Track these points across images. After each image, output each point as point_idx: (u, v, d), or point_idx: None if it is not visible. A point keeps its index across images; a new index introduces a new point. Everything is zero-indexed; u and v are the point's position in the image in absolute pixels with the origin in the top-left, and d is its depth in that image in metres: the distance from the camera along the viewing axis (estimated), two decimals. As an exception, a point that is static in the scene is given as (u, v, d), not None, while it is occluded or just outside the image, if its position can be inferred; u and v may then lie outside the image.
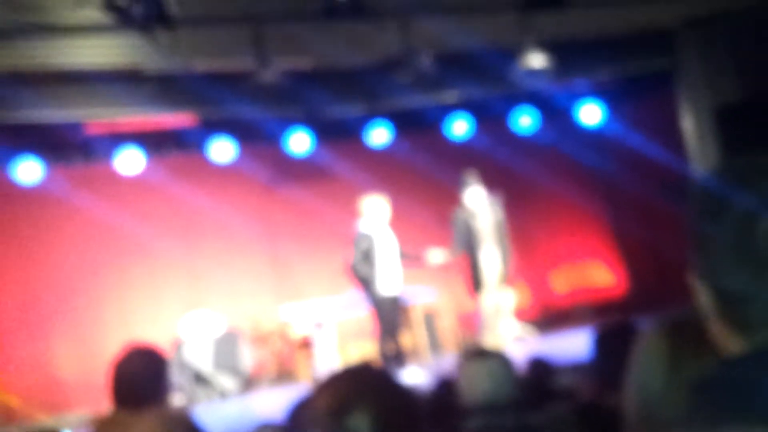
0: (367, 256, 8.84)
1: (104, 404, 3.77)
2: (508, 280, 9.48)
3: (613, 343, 3.49)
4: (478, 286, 9.50)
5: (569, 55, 9.06)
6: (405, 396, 1.88)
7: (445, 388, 4.64)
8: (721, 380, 1.20)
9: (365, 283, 8.89)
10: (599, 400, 3.39)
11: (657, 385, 1.63)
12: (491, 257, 9.42)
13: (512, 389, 3.50)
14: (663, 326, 1.71)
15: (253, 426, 4.14)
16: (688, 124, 10.19)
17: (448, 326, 11.29)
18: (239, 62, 8.00)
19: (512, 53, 8.57)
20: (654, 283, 11.60)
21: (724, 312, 1.24)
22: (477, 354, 3.58)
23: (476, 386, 3.47)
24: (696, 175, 10.13)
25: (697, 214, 1.28)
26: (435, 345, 10.86)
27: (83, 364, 10.30)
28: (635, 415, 1.66)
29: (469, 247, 9.47)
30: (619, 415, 1.74)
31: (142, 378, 3.44)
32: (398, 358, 8.94)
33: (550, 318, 11.76)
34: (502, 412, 3.42)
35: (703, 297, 1.27)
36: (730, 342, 1.25)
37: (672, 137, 10.46)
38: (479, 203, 9.47)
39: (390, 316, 8.95)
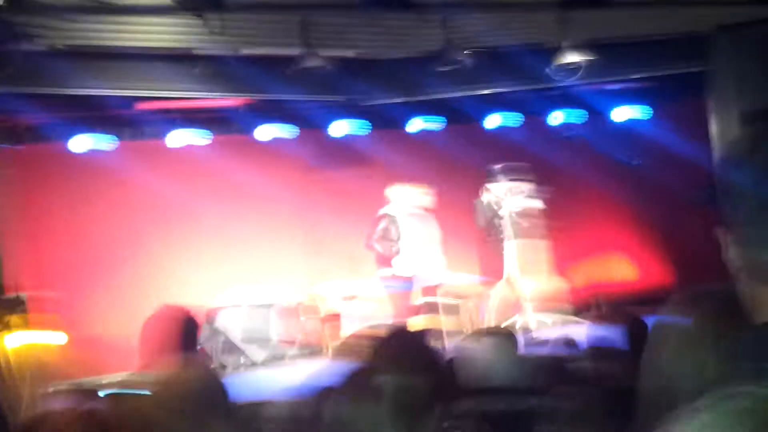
0: (385, 236, 9.20)
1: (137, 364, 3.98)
2: (534, 270, 9.72)
3: (643, 332, 3.69)
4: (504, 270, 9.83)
5: (605, 55, 9.26)
6: (432, 359, 1.92)
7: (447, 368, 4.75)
8: (755, 342, 1.18)
9: (381, 261, 9.30)
10: (627, 386, 3.50)
11: (674, 358, 1.62)
12: (512, 248, 9.72)
13: (511, 371, 3.52)
14: (679, 302, 1.72)
15: (317, 388, 4.32)
16: (715, 127, 10.39)
17: (470, 309, 11.60)
18: (285, 49, 8.34)
19: (550, 51, 8.81)
20: (678, 279, 11.81)
21: (753, 264, 1.20)
22: (474, 334, 3.67)
23: (470, 366, 3.48)
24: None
25: (724, 165, 1.27)
26: (465, 327, 11.13)
27: (121, 325, 10.74)
28: (652, 390, 1.66)
29: (490, 234, 9.78)
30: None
31: (172, 336, 3.64)
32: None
33: (576, 309, 12.00)
34: (495, 394, 3.42)
35: (732, 251, 1.23)
36: (759, 297, 1.21)
37: (704, 139, 10.67)
38: (505, 194, 9.74)
39: (408, 297, 9.37)
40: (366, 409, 1.75)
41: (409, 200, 9.39)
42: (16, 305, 9.16)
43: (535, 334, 9.39)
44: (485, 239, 9.87)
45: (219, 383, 2.50)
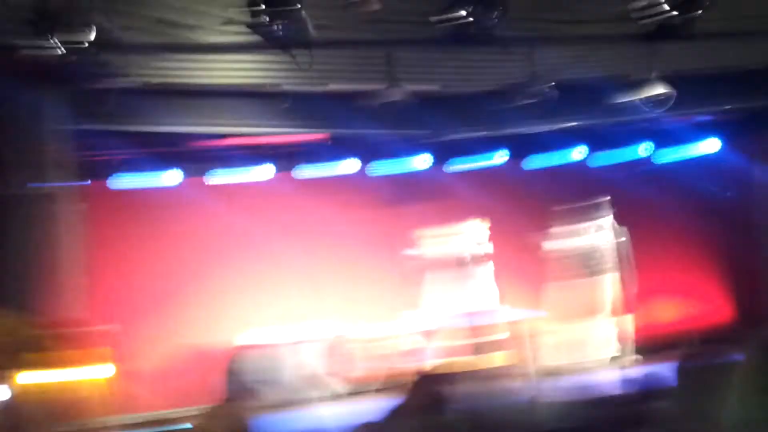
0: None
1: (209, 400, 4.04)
2: (621, 307, 9.58)
3: (694, 372, 3.55)
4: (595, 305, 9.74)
5: (690, 87, 9.16)
6: (499, 398, 1.90)
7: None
8: None
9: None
10: (678, 428, 3.47)
11: (756, 401, 1.61)
12: (604, 283, 9.61)
13: (584, 411, 3.55)
14: (758, 344, 1.73)
15: (356, 425, 4.40)
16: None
17: (549, 344, 11.44)
18: (370, 84, 8.43)
19: (633, 84, 8.74)
20: (763, 316, 11.52)
21: None
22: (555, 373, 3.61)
23: (545, 404, 3.59)
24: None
25: None
26: (536, 363, 11.01)
27: (198, 359, 10.89)
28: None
29: (587, 270, 9.71)
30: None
31: (250, 373, 3.67)
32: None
33: (654, 345, 11.77)
34: None
35: None
36: None
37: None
38: (605, 230, 9.66)
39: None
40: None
41: (477, 235, 9.38)
42: (104, 337, 9.31)
43: (616, 374, 9.27)
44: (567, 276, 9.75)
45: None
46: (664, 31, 7.60)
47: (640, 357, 10.60)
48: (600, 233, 9.63)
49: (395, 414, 1.72)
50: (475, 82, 9.17)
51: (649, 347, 11.29)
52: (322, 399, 10.51)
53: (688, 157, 11.99)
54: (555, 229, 10.72)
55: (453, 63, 8.49)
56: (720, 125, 11.76)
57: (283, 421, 9.10)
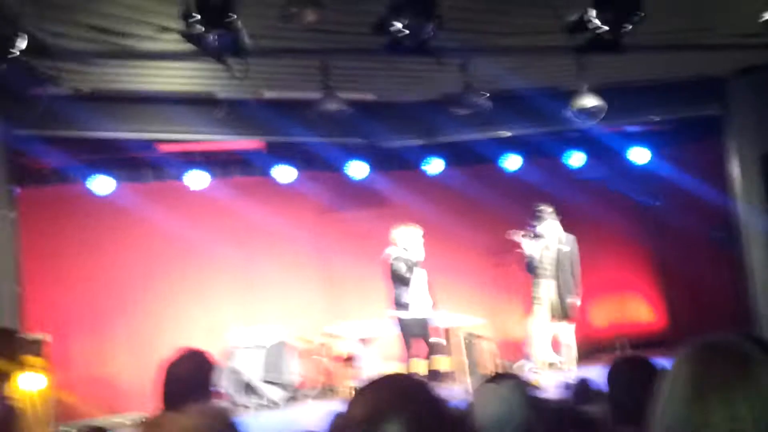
0: (406, 280, 9.28)
1: (154, 407, 4.00)
2: (565, 314, 9.73)
3: (625, 376, 3.68)
4: (533, 312, 9.85)
5: (621, 98, 9.34)
6: (440, 406, 1.85)
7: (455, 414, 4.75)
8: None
9: (395, 302, 9.37)
10: (614, 429, 3.53)
11: (681, 411, 1.61)
12: (550, 288, 9.75)
13: (524, 416, 3.47)
14: (687, 353, 1.70)
15: None
16: (734, 168, 10.43)
17: (488, 350, 11.59)
18: (305, 92, 8.43)
19: (566, 94, 8.88)
20: (693, 321, 11.80)
21: None
22: (491, 378, 3.57)
23: (485, 411, 3.46)
24: (740, 217, 10.37)
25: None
26: (474, 369, 11.14)
27: (136, 366, 10.79)
28: None
29: (533, 272, 9.85)
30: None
31: (189, 379, 3.65)
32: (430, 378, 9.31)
33: (588, 349, 11.97)
34: None
35: None
36: None
37: (717, 181, 10.72)
38: (553, 234, 9.80)
39: (418, 337, 9.41)
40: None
41: (417, 243, 9.47)
42: (36, 346, 9.18)
43: (548, 378, 9.41)
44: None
45: (236, 427, 2.50)
46: (595, 44, 7.71)
47: (575, 362, 10.77)
48: (543, 240, 9.76)
49: (339, 423, 1.68)
50: (411, 92, 9.24)
51: (583, 352, 11.49)
52: (258, 407, 10.49)
53: (627, 166, 12.22)
54: (492, 237, 10.88)
55: (388, 73, 8.53)
56: (649, 136, 12.02)
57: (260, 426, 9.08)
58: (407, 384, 1.93)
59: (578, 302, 9.74)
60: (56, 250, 10.49)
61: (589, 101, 8.62)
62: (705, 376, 1.61)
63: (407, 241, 9.43)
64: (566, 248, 9.75)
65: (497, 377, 3.56)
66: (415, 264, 9.35)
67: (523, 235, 9.89)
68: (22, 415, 8.19)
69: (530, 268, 9.90)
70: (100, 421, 9.95)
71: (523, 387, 3.54)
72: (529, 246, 9.84)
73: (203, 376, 3.75)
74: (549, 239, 9.78)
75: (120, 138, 8.95)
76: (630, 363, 3.88)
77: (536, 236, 9.82)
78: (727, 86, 10.29)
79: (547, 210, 9.87)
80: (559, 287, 9.70)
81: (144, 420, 3.71)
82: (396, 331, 9.52)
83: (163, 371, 3.69)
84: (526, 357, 9.86)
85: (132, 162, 10.47)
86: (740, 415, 1.52)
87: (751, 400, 1.46)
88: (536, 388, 3.83)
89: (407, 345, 9.38)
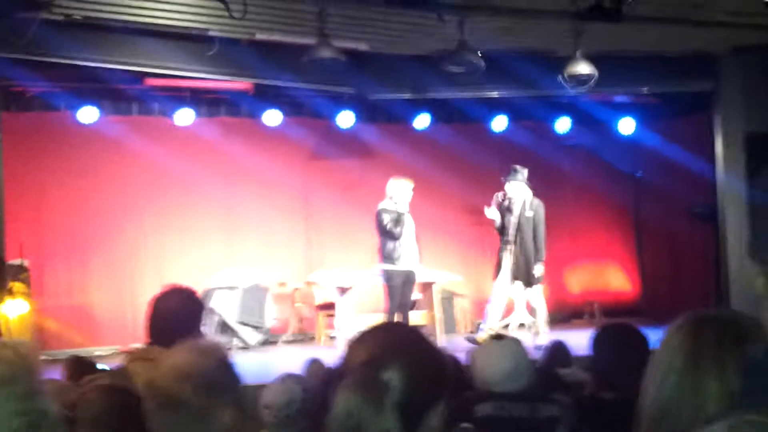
0: (392, 233, 9.27)
1: (132, 341, 4.02)
2: (528, 279, 9.74)
3: (611, 342, 3.70)
4: (497, 274, 9.87)
5: (612, 67, 9.34)
6: (436, 354, 1.90)
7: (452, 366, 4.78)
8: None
9: (382, 254, 9.37)
10: (596, 395, 3.57)
11: (674, 382, 1.64)
12: (513, 251, 9.76)
13: (528, 376, 3.59)
14: (682, 324, 1.71)
15: (276, 377, 4.38)
16: (719, 145, 10.51)
17: (464, 308, 11.69)
18: (299, 37, 8.36)
19: (557, 60, 8.86)
20: (667, 293, 11.94)
21: None
22: (495, 337, 3.71)
23: (493, 369, 3.53)
24: (722, 194, 10.47)
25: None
26: (450, 325, 11.23)
27: (114, 298, 10.82)
28: (651, 413, 1.67)
29: (503, 237, 9.87)
30: (614, 409, 1.79)
31: (178, 315, 3.62)
32: None
33: (561, 314, 12.10)
34: (514, 400, 3.47)
35: (759, 282, 1.41)
36: None
37: (701, 155, 10.82)
38: (519, 198, 9.78)
39: (403, 290, 9.42)
40: (372, 403, 1.78)
41: (406, 195, 9.44)
42: (19, 272, 9.18)
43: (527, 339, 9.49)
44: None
45: (231, 365, 2.53)
46: (594, 11, 7.71)
47: (546, 325, 10.85)
48: (516, 203, 9.76)
49: (365, 368, 1.71)
50: (405, 46, 9.19)
51: (557, 316, 11.63)
52: (232, 347, 10.53)
53: (614, 135, 12.25)
54: (475, 196, 10.90)
55: (384, 24, 8.47)
56: (637, 107, 12.05)
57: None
58: (405, 332, 1.98)
59: (541, 268, 9.71)
60: (38, 177, 10.42)
61: (582, 68, 8.61)
62: (699, 347, 1.63)
63: (396, 193, 9.41)
64: (529, 213, 9.72)
65: (498, 337, 3.75)
66: (401, 215, 9.32)
67: (497, 204, 9.86)
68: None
69: (507, 230, 9.91)
70: (83, 352, 9.95)
71: (524, 346, 3.69)
72: (492, 213, 9.82)
73: (192, 313, 3.75)
74: (514, 203, 9.76)
75: (108, 68, 8.84)
76: (618, 330, 3.90)
77: (503, 200, 9.80)
78: (719, 64, 10.32)
79: (522, 171, 9.82)
80: (521, 252, 9.70)
81: (133, 352, 3.71)
82: (380, 283, 9.53)
83: (151, 306, 3.70)
84: (486, 317, 9.91)
85: (118, 94, 10.37)
86: (732, 387, 1.55)
87: (744, 372, 1.49)
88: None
89: (391, 297, 9.38)
